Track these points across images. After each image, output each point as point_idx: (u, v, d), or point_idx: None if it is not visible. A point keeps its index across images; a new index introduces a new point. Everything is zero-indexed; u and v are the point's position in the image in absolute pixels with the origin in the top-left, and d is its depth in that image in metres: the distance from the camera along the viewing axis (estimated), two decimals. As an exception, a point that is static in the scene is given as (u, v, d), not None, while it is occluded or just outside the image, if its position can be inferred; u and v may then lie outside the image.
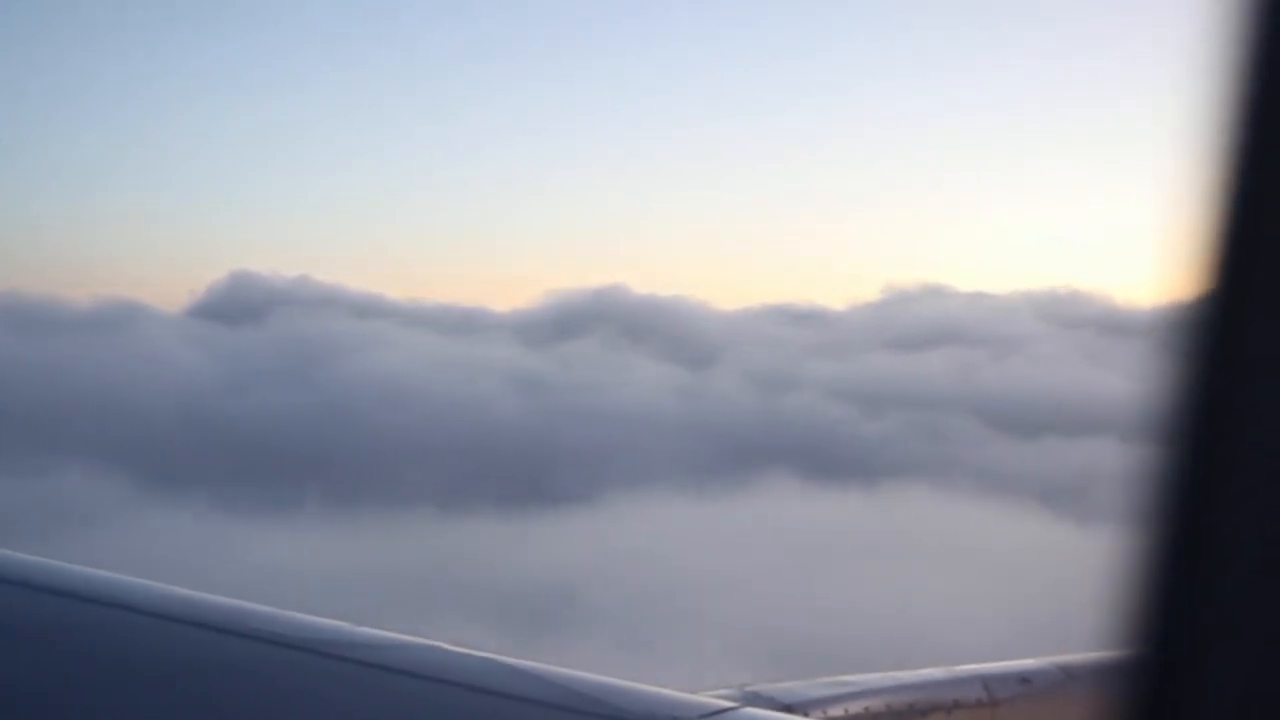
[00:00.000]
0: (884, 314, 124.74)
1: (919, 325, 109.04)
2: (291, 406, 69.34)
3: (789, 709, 3.89)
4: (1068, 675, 4.51)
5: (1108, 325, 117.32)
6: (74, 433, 61.28)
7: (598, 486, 54.43)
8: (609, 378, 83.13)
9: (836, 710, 4.02)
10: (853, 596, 32.39)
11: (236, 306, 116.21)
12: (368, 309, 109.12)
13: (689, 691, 3.14)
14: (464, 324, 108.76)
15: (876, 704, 4.13)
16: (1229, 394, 1.09)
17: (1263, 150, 1.07)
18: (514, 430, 67.55)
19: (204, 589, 3.41)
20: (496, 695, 2.87)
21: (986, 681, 4.37)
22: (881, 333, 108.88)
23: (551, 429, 68.01)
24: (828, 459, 62.14)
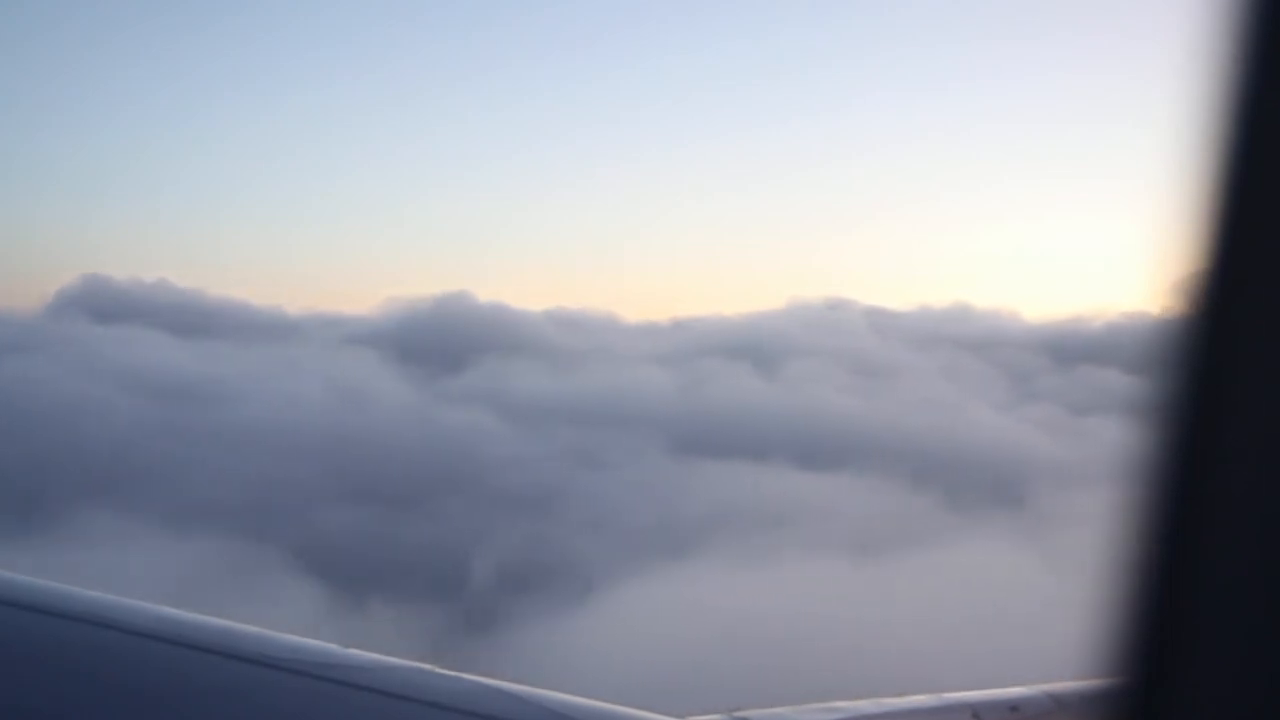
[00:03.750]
0: (745, 326, 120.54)
1: (734, 338, 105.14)
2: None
3: None
4: (1057, 703, 4.42)
5: (971, 343, 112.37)
6: None
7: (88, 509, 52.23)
8: (292, 387, 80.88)
9: None
10: None
11: (87, 310, 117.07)
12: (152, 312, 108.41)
13: (678, 716, 3.42)
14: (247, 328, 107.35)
15: None
16: (1217, 399, 1.06)
17: (1244, 159, 1.04)
18: (108, 442, 65.71)
19: None
20: (483, 718, 2.93)
21: (975, 709, 4.30)
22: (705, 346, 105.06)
23: (144, 441, 66.05)
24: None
